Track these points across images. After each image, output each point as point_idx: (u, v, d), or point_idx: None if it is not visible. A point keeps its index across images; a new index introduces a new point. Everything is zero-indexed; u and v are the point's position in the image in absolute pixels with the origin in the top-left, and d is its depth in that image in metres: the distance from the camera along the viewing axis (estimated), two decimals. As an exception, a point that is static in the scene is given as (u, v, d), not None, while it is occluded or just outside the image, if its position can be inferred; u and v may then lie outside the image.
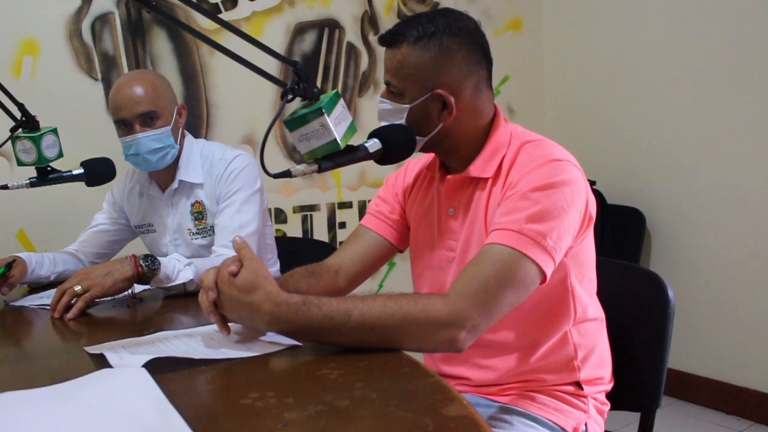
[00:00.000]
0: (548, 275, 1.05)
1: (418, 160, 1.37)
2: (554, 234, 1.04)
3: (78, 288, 1.34)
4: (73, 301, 1.34)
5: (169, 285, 1.46)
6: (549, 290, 1.13)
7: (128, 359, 0.95)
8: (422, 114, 1.16)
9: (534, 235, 1.03)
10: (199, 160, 1.78)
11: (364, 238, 1.35)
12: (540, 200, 1.06)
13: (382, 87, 1.22)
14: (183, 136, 1.79)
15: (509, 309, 1.04)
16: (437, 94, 1.15)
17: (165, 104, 1.69)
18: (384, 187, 1.41)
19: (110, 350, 1.00)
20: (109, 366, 0.92)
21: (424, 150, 1.23)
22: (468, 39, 1.16)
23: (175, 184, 1.76)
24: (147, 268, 1.41)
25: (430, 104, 1.16)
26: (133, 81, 1.67)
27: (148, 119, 1.66)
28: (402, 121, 1.17)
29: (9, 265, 1.55)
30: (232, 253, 1.63)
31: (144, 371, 0.84)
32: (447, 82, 1.15)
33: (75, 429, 0.71)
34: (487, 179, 1.18)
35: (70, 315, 1.31)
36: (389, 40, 1.17)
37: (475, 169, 1.19)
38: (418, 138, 1.18)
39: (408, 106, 1.16)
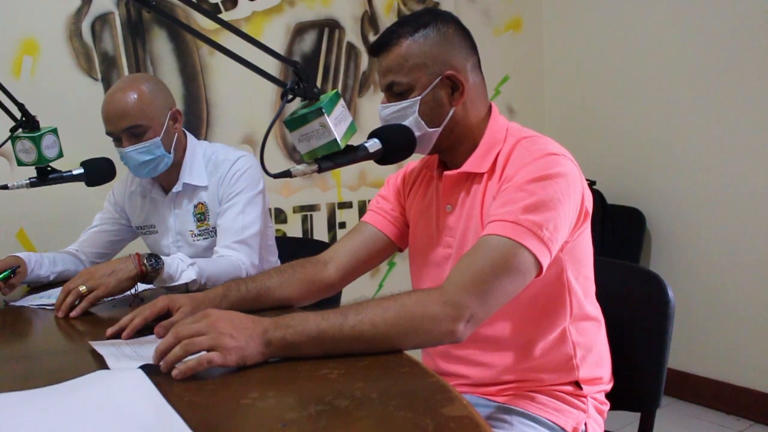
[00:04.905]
0: (544, 266, 1.05)
1: (418, 161, 1.37)
2: (550, 225, 1.05)
3: (83, 288, 1.34)
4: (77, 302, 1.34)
5: (172, 285, 1.46)
6: (546, 285, 1.13)
7: (126, 363, 0.95)
8: (434, 102, 1.17)
9: (530, 225, 1.03)
10: (202, 161, 1.78)
11: (362, 232, 1.36)
12: (536, 191, 1.06)
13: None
14: (184, 139, 1.78)
15: (506, 299, 1.04)
16: (447, 77, 1.16)
17: (154, 114, 1.65)
18: (385, 187, 1.42)
19: (111, 350, 1.00)
20: (107, 367, 0.92)
21: (435, 148, 1.22)
22: (458, 25, 1.21)
23: (178, 187, 1.76)
24: (150, 267, 1.40)
25: (441, 89, 1.17)
26: (120, 92, 1.62)
27: (135, 133, 1.62)
28: (412, 119, 1.17)
29: (14, 270, 1.55)
30: (234, 254, 1.65)
31: (141, 372, 0.85)
32: (453, 63, 1.17)
33: (75, 429, 0.71)
34: (483, 174, 1.18)
35: (73, 314, 1.31)
36: (385, 42, 1.18)
37: (471, 165, 1.20)
38: (431, 130, 1.18)
39: (418, 98, 1.16)
